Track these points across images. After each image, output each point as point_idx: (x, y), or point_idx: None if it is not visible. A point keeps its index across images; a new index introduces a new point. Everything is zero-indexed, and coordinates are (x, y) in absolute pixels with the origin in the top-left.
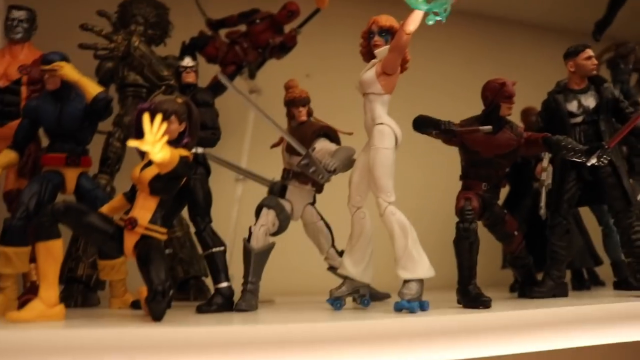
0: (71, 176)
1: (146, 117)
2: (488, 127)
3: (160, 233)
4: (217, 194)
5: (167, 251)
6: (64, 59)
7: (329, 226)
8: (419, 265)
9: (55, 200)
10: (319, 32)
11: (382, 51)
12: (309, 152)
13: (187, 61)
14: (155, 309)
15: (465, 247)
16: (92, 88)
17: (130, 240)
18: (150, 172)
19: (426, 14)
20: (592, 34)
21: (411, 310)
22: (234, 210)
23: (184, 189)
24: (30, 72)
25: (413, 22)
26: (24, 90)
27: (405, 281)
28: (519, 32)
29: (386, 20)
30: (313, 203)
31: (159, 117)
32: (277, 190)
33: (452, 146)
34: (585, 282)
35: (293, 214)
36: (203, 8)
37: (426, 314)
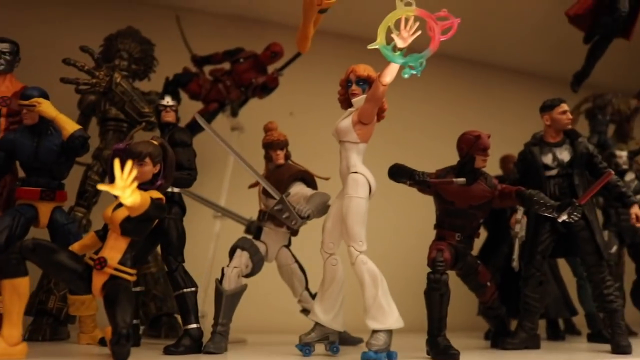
0: (45, 210)
1: (116, 163)
2: (462, 180)
3: (129, 274)
4: (194, 230)
5: (138, 288)
6: (43, 95)
7: (303, 269)
8: (388, 315)
9: (27, 233)
10: (303, 71)
11: (359, 100)
12: (282, 197)
13: (167, 100)
14: (118, 352)
15: (435, 298)
16: (69, 126)
17: (98, 280)
18: (122, 213)
19: (402, 67)
20: (570, 85)
21: None
22: (211, 246)
23: (158, 228)
24: (9, 105)
25: (389, 74)
26: (2, 122)
27: (374, 331)
28: (501, 77)
29: (364, 70)
30: (288, 245)
31: (129, 163)
32: (254, 231)
33: (427, 195)
34: (559, 333)
35: (267, 256)
36: (189, 44)
37: None
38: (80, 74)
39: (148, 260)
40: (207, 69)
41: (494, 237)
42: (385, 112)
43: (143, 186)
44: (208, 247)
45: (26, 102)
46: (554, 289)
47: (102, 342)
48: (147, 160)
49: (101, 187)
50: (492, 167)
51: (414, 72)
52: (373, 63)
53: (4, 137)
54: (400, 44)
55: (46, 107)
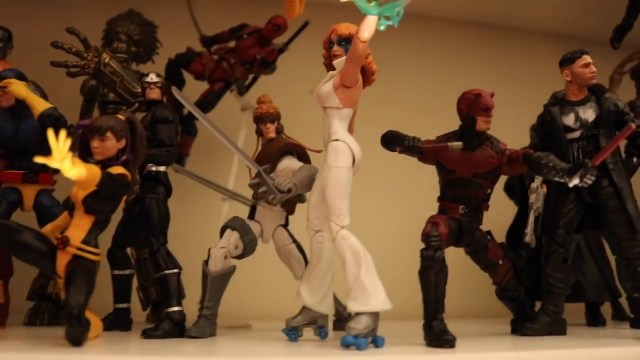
0: (29, 193)
1: (50, 133)
2: (458, 144)
3: (92, 254)
4: (202, 214)
5: (128, 272)
6: (18, 76)
7: (302, 249)
8: (372, 296)
9: (9, 217)
10: (320, 49)
11: (340, 62)
12: (260, 170)
13: (151, 77)
14: (70, 333)
15: (430, 277)
16: (39, 105)
17: (62, 260)
18: (85, 190)
19: (378, 19)
20: (609, 42)
21: (358, 347)
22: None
23: (142, 208)
24: None
25: (367, 28)
26: None
27: (356, 314)
28: (528, 40)
29: (345, 28)
30: (285, 225)
31: (62, 132)
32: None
33: (428, 164)
34: (600, 318)
35: (263, 236)
36: (199, 25)
37: (378, 352)
38: (70, 57)
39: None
40: (212, 49)
41: (524, 214)
42: (374, 74)
43: (108, 162)
44: (216, 232)
45: None
46: (592, 269)
47: None
48: (109, 134)
49: (38, 159)
50: (522, 137)
51: (390, 22)
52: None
53: None
54: None
55: (17, 87)
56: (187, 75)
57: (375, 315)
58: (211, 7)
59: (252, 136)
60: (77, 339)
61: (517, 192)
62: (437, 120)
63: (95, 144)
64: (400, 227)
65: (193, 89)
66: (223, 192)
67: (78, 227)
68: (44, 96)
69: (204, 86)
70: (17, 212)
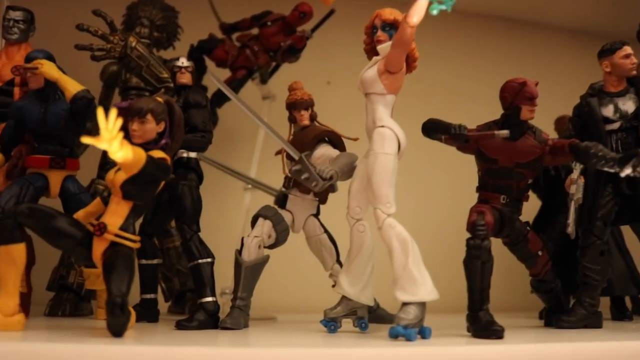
0: (55, 179)
1: (100, 112)
2: (505, 132)
3: (131, 241)
4: (225, 203)
5: (156, 261)
6: (48, 57)
7: (333, 239)
8: (420, 286)
9: (36, 203)
10: (341, 36)
11: (385, 47)
12: (302, 156)
13: (182, 61)
14: (112, 323)
15: (476, 267)
16: (72, 87)
17: (98, 247)
18: (123, 174)
19: (430, 4)
20: (636, 35)
21: (408, 338)
22: (242, 220)
23: (172, 196)
24: (22, 73)
25: (417, 13)
26: (16, 92)
27: (404, 304)
28: (550, 36)
29: (390, 13)
30: (316, 214)
31: (113, 112)
32: (280, 199)
33: (467, 154)
34: (626, 312)
35: (294, 226)
36: (217, 12)
37: (426, 343)
38: (94, 40)
39: (171, 233)
40: (235, 36)
41: (548, 207)
42: (416, 61)
43: (146, 146)
44: (239, 221)
45: (29, 65)
46: (619, 262)
47: None
48: (149, 117)
49: (85, 139)
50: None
51: (443, 7)
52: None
53: (13, 105)
54: None
55: (48, 68)
56: (208, 62)
57: (422, 306)
58: None
59: (275, 123)
60: (119, 329)
61: (542, 185)
62: (457, 114)
63: (134, 126)
64: (433, 219)
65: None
66: (246, 180)
67: (115, 213)
68: None
69: (225, 74)
70: (42, 199)
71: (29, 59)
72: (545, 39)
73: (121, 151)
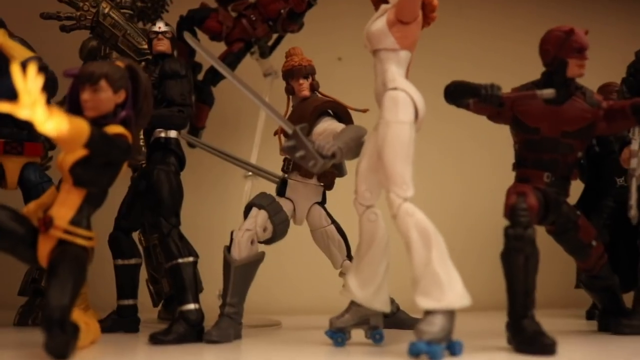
0: (12, 167)
1: (16, 69)
2: (550, 91)
3: (83, 238)
4: (223, 192)
5: (134, 261)
6: None
7: (343, 232)
8: (447, 289)
9: None
10: (352, 7)
11: None
12: (296, 130)
13: (159, 26)
14: (51, 344)
15: (518, 263)
16: (18, 54)
17: (44, 246)
18: (73, 155)
19: None
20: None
21: (432, 357)
22: (242, 210)
23: (150, 184)
24: None
25: None
26: None
27: (427, 312)
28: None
29: None
30: (322, 202)
31: (32, 67)
32: (279, 187)
33: (501, 124)
34: None
35: (296, 216)
36: None
37: None
38: (62, 7)
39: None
40: (230, 5)
41: (593, 188)
42: (435, 10)
43: (102, 120)
44: (239, 212)
45: None
46: None
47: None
48: (103, 83)
49: (1, 106)
50: None
51: None
52: None
53: None
54: None
55: None
56: (201, 35)
57: (451, 315)
58: None
59: (277, 106)
60: (60, 351)
61: (584, 163)
62: (494, 76)
63: (86, 95)
64: (460, 203)
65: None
66: (245, 166)
67: (65, 204)
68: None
69: (221, 47)
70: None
71: None
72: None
73: (51, 121)
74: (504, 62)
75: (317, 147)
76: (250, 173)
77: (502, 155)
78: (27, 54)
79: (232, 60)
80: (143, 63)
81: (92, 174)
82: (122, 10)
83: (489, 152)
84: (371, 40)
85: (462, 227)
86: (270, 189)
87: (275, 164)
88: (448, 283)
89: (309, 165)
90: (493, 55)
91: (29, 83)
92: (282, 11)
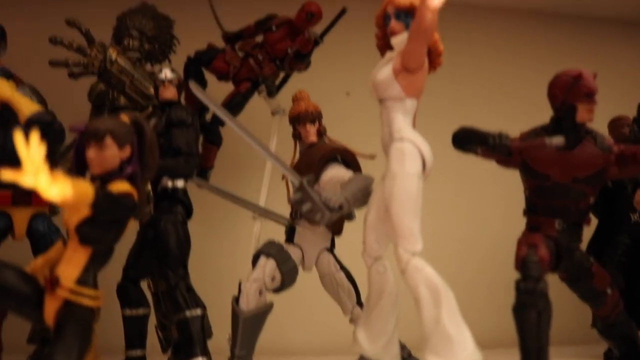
0: (21, 218)
1: (18, 136)
2: (559, 139)
3: (89, 298)
4: (232, 233)
5: (142, 311)
6: (3, 73)
7: (352, 278)
8: (458, 347)
9: None
10: (360, 43)
11: (400, 40)
12: (302, 182)
13: (165, 73)
14: None
15: (530, 319)
16: (25, 107)
17: (51, 306)
18: (78, 214)
19: None
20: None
21: None
22: (251, 252)
23: (156, 234)
24: None
25: None
26: None
27: None
28: (598, 29)
29: None
30: (331, 248)
31: (35, 134)
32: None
33: (510, 168)
34: None
35: (305, 263)
36: (221, 21)
37: None
38: (71, 54)
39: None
40: (237, 45)
41: (607, 224)
42: (441, 56)
43: (108, 176)
44: (248, 254)
45: None
46: None
47: None
48: (109, 140)
49: (4, 174)
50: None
51: None
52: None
53: None
54: None
55: None
56: (209, 76)
57: None
58: (233, 4)
59: (285, 144)
60: None
61: (598, 199)
62: (503, 120)
63: (91, 153)
64: (467, 234)
65: (216, 91)
66: (254, 209)
67: (71, 263)
68: (42, 102)
69: (228, 87)
70: (7, 242)
71: None
72: (592, 32)
73: (55, 187)
74: (512, 105)
75: (324, 199)
76: (258, 215)
77: (511, 189)
78: (34, 107)
79: (239, 100)
80: (150, 108)
81: (98, 232)
82: (129, 53)
83: (498, 185)
84: (377, 89)
85: (471, 260)
86: (279, 230)
87: (284, 204)
88: (458, 341)
89: (316, 218)
90: (501, 97)
91: (31, 151)
92: (288, 50)
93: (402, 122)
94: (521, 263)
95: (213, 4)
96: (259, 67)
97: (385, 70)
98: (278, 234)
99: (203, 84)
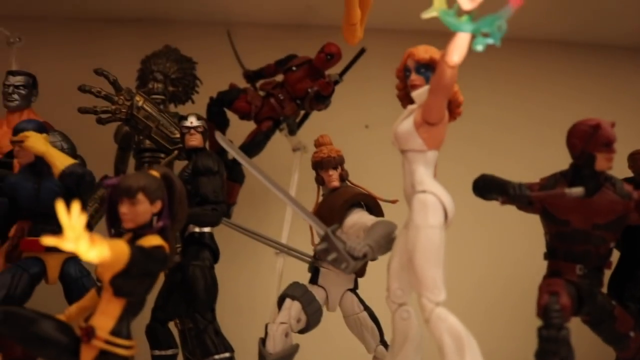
0: (53, 263)
1: (60, 206)
2: (579, 190)
3: (123, 347)
4: (255, 269)
5: (171, 352)
6: (37, 128)
7: (375, 317)
8: None
9: (31, 292)
10: (379, 76)
11: (421, 93)
12: (328, 232)
13: (191, 120)
14: None
15: None
16: (59, 161)
17: (87, 356)
18: (112, 268)
19: (474, 36)
20: None
21: None
22: (274, 289)
23: (184, 278)
24: None
25: (458, 49)
26: (16, 164)
27: None
28: (617, 57)
29: (425, 51)
30: (354, 289)
31: (75, 205)
32: (311, 272)
33: (531, 213)
34: None
35: (329, 304)
36: (242, 60)
37: None
38: (99, 102)
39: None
40: (259, 84)
41: (630, 258)
42: (461, 106)
43: (140, 230)
44: (271, 289)
45: (15, 138)
46: None
47: None
48: (141, 196)
49: (46, 241)
50: (618, 168)
51: (489, 41)
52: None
53: (6, 181)
54: (466, 4)
55: (34, 142)
56: (231, 115)
57: None
58: (253, 38)
59: (306, 179)
60: None
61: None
62: (513, 157)
63: (124, 209)
64: (488, 263)
65: (238, 129)
66: (276, 246)
67: (106, 314)
68: (72, 148)
69: (250, 126)
70: (41, 285)
71: (16, 130)
72: (612, 61)
73: (94, 250)
74: (533, 149)
75: (349, 248)
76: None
77: (533, 221)
78: (67, 161)
79: (262, 138)
80: (176, 152)
81: (131, 285)
82: (154, 96)
83: (519, 214)
84: (399, 141)
85: (491, 290)
86: (302, 265)
87: (306, 239)
88: None
89: (342, 267)
90: (521, 141)
91: (73, 220)
92: (309, 90)
93: (423, 174)
94: (543, 311)
95: (234, 42)
96: (280, 106)
97: (406, 123)
98: (301, 269)
99: (225, 123)
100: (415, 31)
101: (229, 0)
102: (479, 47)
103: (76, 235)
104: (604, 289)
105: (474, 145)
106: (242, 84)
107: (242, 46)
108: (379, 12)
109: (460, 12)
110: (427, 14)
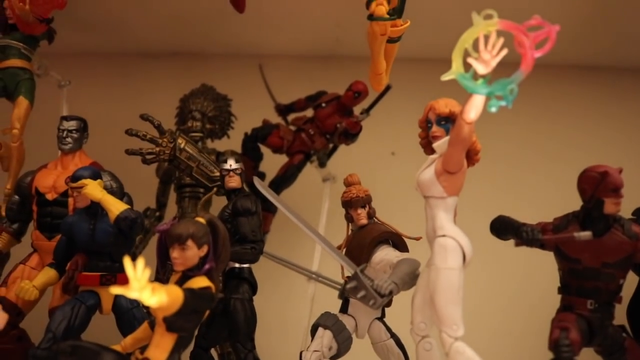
0: (107, 296)
1: (127, 261)
2: (587, 234)
3: None
4: (288, 294)
5: None
6: (93, 175)
7: (402, 344)
8: None
9: (88, 323)
10: (406, 105)
11: (441, 144)
12: (357, 271)
13: (230, 163)
14: None
15: None
16: (114, 207)
17: None
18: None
19: (488, 98)
20: None
21: None
22: (306, 313)
23: (226, 309)
24: None
25: (474, 109)
26: (70, 202)
27: None
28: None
29: (445, 105)
30: (381, 317)
31: (141, 261)
32: (341, 301)
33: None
34: None
35: (358, 332)
36: (273, 93)
37: None
38: (144, 144)
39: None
40: (290, 119)
41: None
42: (479, 153)
43: (189, 272)
44: (303, 313)
45: (73, 185)
46: None
47: None
48: (190, 242)
49: (114, 290)
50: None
51: (502, 103)
52: None
53: (64, 221)
54: (481, 69)
55: (92, 189)
56: (264, 149)
57: None
58: (283, 69)
59: (335, 207)
60: None
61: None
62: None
63: (175, 254)
64: (516, 282)
65: (271, 161)
66: (307, 274)
67: (159, 347)
68: (120, 187)
69: (282, 158)
70: (95, 316)
71: (74, 177)
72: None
73: (154, 297)
74: (547, 189)
75: (376, 286)
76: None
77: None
78: (121, 206)
79: (294, 171)
80: (214, 189)
81: (182, 322)
82: (193, 134)
83: (539, 273)
84: (421, 188)
85: (521, 308)
86: (332, 292)
87: (336, 264)
88: None
89: (370, 304)
90: (537, 182)
91: (138, 273)
92: (337, 125)
93: (444, 219)
94: (554, 345)
95: (265, 76)
96: (310, 140)
97: (428, 172)
98: (331, 295)
99: (259, 157)
100: (439, 60)
101: (261, 34)
102: (493, 109)
103: (141, 286)
104: (623, 318)
105: (493, 185)
106: (273, 115)
107: (272, 77)
108: (404, 43)
109: (476, 76)
110: (446, 77)
